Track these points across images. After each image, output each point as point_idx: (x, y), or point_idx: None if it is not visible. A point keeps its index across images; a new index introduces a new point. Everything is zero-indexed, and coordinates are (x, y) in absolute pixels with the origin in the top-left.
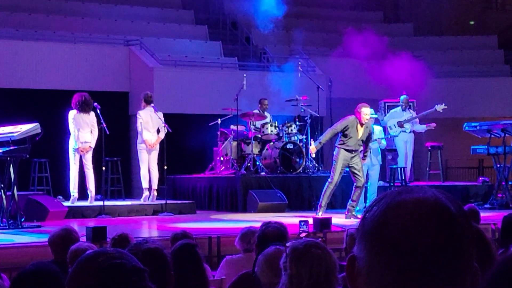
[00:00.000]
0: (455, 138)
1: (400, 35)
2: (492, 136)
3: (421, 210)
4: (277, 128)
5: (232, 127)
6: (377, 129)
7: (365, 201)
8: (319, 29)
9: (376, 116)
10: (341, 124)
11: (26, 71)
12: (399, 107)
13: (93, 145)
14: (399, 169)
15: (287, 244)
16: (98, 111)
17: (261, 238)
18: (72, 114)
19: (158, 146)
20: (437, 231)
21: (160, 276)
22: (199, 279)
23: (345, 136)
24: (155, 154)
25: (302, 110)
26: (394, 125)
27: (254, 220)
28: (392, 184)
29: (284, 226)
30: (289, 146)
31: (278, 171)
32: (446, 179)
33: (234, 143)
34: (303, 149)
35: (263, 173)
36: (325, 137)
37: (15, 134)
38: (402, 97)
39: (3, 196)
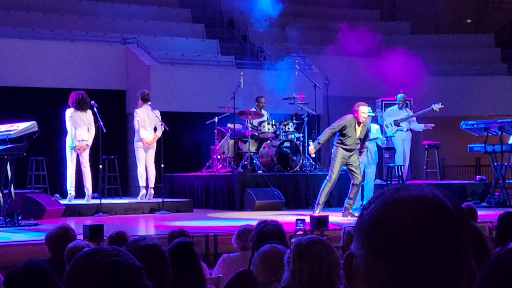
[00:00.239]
0: (452, 137)
1: (397, 33)
2: (489, 134)
3: (419, 207)
4: (274, 126)
5: (229, 125)
6: (374, 127)
7: (362, 199)
8: (316, 27)
9: (373, 114)
10: (339, 123)
11: (23, 70)
12: (396, 106)
13: (90, 143)
14: (396, 167)
15: (292, 240)
16: (95, 109)
17: (259, 236)
18: (69, 112)
19: (155, 144)
20: (434, 228)
21: (158, 272)
22: (196, 277)
23: (343, 135)
24: (152, 152)
25: (299, 108)
26: (391, 123)
27: (251, 218)
28: (389, 182)
29: (281, 224)
30: (286, 144)
31: (275, 170)
32: (443, 177)
33: (231, 141)
34: (300, 147)
35: (260, 172)
36: (323, 137)
37: (12, 132)
38: (399, 96)
39: (0, 194)
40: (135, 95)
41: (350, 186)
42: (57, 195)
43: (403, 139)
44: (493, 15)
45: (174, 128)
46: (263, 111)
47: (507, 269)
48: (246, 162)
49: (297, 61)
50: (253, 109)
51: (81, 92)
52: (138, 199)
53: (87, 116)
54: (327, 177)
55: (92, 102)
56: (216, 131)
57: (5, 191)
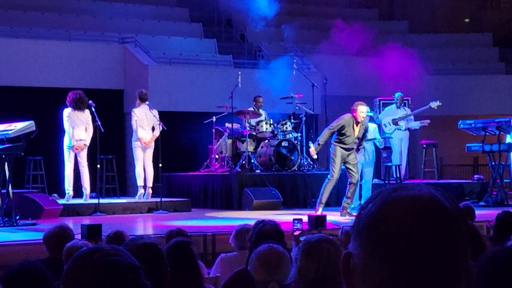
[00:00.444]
0: (450, 136)
1: (395, 33)
2: (487, 133)
3: (417, 207)
4: (272, 126)
5: (227, 125)
6: (372, 127)
7: (360, 199)
8: (314, 26)
9: (371, 114)
10: (337, 123)
11: (21, 69)
12: (394, 105)
13: (88, 143)
14: (394, 166)
15: (301, 238)
16: (93, 109)
17: (258, 236)
18: (67, 112)
19: (153, 144)
20: (432, 228)
21: (156, 272)
22: (193, 276)
23: (341, 134)
24: (150, 152)
25: (297, 108)
26: (389, 122)
27: (249, 218)
28: (387, 181)
29: (279, 224)
30: (284, 144)
31: (273, 169)
32: (441, 176)
33: (229, 141)
34: (298, 147)
35: (258, 171)
36: (323, 138)
37: (10, 132)
38: (396, 95)
39: None
40: (133, 95)
41: (348, 185)
42: (55, 195)
43: (400, 139)
44: (491, 14)
45: (172, 127)
46: (261, 111)
47: (504, 266)
48: (244, 162)
49: (295, 61)
50: (251, 109)
51: (79, 91)
52: (136, 199)
53: (85, 116)
54: (329, 176)
55: (90, 101)
56: (214, 130)
57: (3, 191)
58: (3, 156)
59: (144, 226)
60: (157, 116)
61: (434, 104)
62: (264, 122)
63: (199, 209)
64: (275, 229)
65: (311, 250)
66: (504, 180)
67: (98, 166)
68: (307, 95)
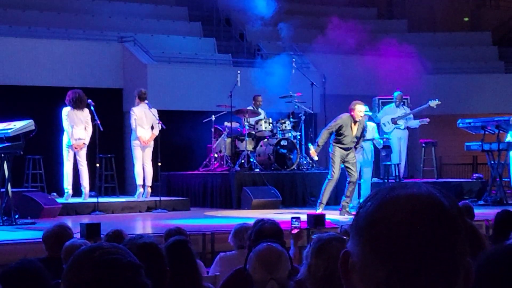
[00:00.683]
0: (449, 135)
1: (394, 31)
2: (486, 132)
3: (415, 205)
4: (271, 125)
5: (226, 124)
6: (370, 126)
7: (359, 198)
8: (312, 25)
9: (370, 113)
10: (335, 124)
11: (20, 68)
12: (393, 104)
13: (87, 141)
14: (393, 165)
15: (313, 236)
16: (92, 108)
17: (257, 235)
18: (66, 111)
19: (152, 143)
20: (431, 226)
21: (155, 271)
22: (192, 275)
23: (339, 134)
24: (149, 151)
25: (296, 106)
26: (388, 121)
27: (248, 217)
28: (386, 180)
29: (278, 223)
30: (283, 143)
31: (272, 168)
32: (440, 175)
33: (228, 140)
34: (297, 146)
35: (257, 170)
36: (321, 139)
37: (9, 131)
38: (395, 94)
39: None
40: (132, 94)
41: (347, 184)
42: (54, 194)
43: (400, 138)
44: (490, 13)
45: (171, 126)
46: (260, 110)
47: (502, 264)
48: (243, 161)
49: (294, 60)
50: (250, 108)
51: (78, 90)
52: (135, 198)
53: (84, 115)
54: (329, 176)
55: (89, 100)
56: (213, 129)
57: (2, 190)
58: (2, 155)
59: (143, 225)
60: (156, 115)
61: (433, 103)
62: (263, 121)
63: (198, 208)
64: (274, 228)
65: (322, 248)
66: (503, 179)
67: (97, 165)
68: (306, 94)
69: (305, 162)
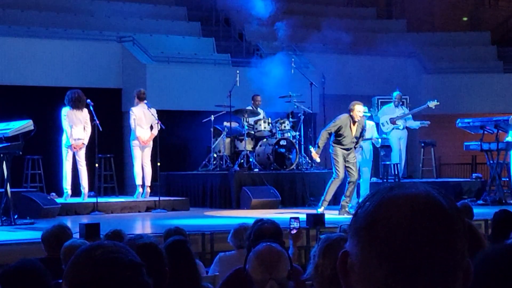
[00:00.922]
0: (448, 135)
1: (393, 31)
2: (485, 132)
3: (414, 205)
4: (270, 124)
5: (225, 123)
6: (370, 124)
7: (358, 198)
8: (312, 25)
9: (369, 114)
10: (334, 124)
11: (19, 68)
12: (392, 104)
13: (86, 142)
14: (392, 165)
15: (321, 236)
16: (91, 108)
17: (256, 235)
18: (65, 111)
19: (151, 143)
20: (429, 226)
21: (155, 271)
22: (191, 275)
23: (339, 135)
24: (148, 151)
25: (295, 106)
26: (387, 121)
27: (248, 216)
28: (385, 180)
29: (277, 223)
30: (282, 142)
31: (272, 168)
32: (439, 175)
33: (227, 140)
34: (296, 146)
35: (256, 170)
36: (321, 140)
37: (8, 131)
38: (394, 94)
39: None
40: (131, 94)
41: (347, 184)
42: (53, 194)
43: (399, 137)
44: (489, 13)
45: (170, 126)
46: (259, 110)
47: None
48: (242, 161)
49: (293, 60)
50: (249, 108)
51: (77, 90)
52: (135, 198)
53: (83, 115)
54: (334, 175)
55: (88, 100)
56: (212, 129)
57: (1, 190)
58: (1, 155)
59: (142, 225)
60: (156, 115)
61: (432, 104)
62: (262, 121)
63: (198, 208)
64: (273, 228)
65: (329, 248)
66: (502, 179)
67: (97, 165)
68: (305, 94)
69: (304, 162)
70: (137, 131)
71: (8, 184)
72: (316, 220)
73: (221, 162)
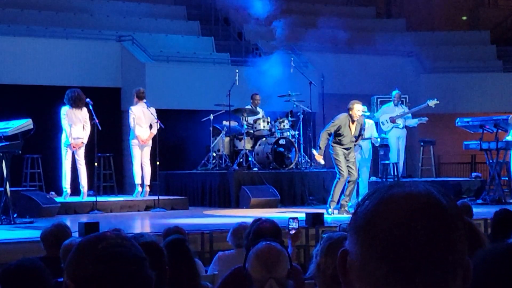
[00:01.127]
0: (448, 134)
1: (392, 31)
2: (485, 131)
3: (413, 204)
4: (269, 123)
5: (224, 123)
6: (369, 123)
7: (357, 197)
8: (311, 25)
9: (368, 113)
10: (333, 125)
11: (18, 67)
12: (391, 103)
13: (85, 141)
14: (391, 164)
15: (323, 235)
16: (91, 107)
17: (255, 234)
18: (64, 110)
19: (150, 142)
20: (429, 225)
21: (156, 269)
22: (190, 274)
23: (338, 135)
24: (147, 150)
25: (295, 106)
26: (387, 120)
27: (247, 216)
28: (384, 179)
29: (276, 222)
30: (282, 141)
31: (271, 167)
32: (438, 174)
33: (227, 139)
34: (296, 145)
35: (255, 169)
36: (322, 141)
37: (7, 130)
38: (394, 93)
39: None
40: (130, 93)
41: (346, 183)
42: (53, 193)
43: (398, 137)
44: (489, 12)
45: (170, 125)
46: (258, 109)
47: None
48: (241, 160)
49: (292, 59)
50: (249, 107)
51: (77, 89)
52: (134, 197)
53: (83, 114)
54: (338, 176)
55: (87, 99)
56: (211, 128)
57: (0, 189)
58: (1, 154)
59: (141, 224)
60: (155, 114)
61: (432, 102)
62: (261, 120)
63: (197, 207)
64: (272, 227)
65: (332, 247)
66: (502, 178)
67: (96, 164)
68: (305, 93)
69: (303, 161)
70: (136, 130)
71: (7, 183)
72: (315, 219)
73: (220, 161)
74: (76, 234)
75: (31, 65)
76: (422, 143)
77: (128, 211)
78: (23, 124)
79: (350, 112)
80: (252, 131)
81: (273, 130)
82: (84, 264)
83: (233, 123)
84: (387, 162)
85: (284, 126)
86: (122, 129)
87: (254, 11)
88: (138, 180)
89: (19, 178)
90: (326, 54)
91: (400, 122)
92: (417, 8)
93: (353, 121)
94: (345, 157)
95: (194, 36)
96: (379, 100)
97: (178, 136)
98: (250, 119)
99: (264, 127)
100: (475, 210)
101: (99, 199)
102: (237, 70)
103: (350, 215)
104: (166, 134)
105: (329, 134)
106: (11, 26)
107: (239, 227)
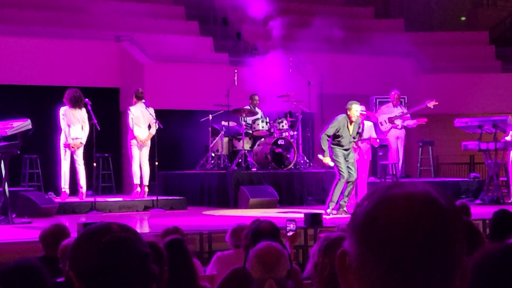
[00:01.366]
0: (446, 134)
1: (391, 31)
2: (483, 132)
3: (412, 204)
4: (268, 124)
5: (223, 123)
6: (368, 124)
7: (356, 197)
8: (309, 25)
9: (365, 113)
10: (332, 127)
11: (16, 67)
12: (390, 103)
13: (84, 141)
14: (390, 165)
15: (321, 235)
16: (89, 107)
17: (254, 234)
18: (63, 110)
19: (149, 142)
20: (427, 225)
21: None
22: (188, 274)
23: (337, 136)
24: (146, 150)
25: (294, 106)
26: (385, 121)
27: (246, 216)
28: (383, 180)
29: (274, 222)
30: (280, 142)
31: (269, 167)
32: (437, 175)
33: (225, 139)
34: (294, 145)
35: (254, 169)
36: (324, 144)
37: (6, 130)
38: (392, 93)
39: None
40: (129, 93)
41: (345, 183)
42: (52, 193)
43: (396, 137)
44: (488, 13)
45: (168, 126)
46: (257, 109)
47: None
48: (240, 160)
49: (291, 59)
50: (247, 107)
51: (76, 89)
52: (132, 197)
53: (81, 114)
54: (338, 177)
55: (86, 100)
56: (210, 128)
57: None
58: None
59: (140, 225)
60: (153, 114)
61: (430, 104)
62: (260, 120)
63: (195, 208)
64: (271, 227)
65: (329, 247)
66: (500, 179)
67: (94, 164)
68: (304, 93)
69: (302, 161)
70: (135, 130)
71: (6, 184)
72: (314, 220)
73: (219, 162)
74: (75, 235)
75: (29, 65)
76: (420, 144)
77: (126, 212)
78: (22, 124)
79: (348, 113)
80: (250, 131)
81: (271, 130)
82: (88, 256)
83: (232, 124)
84: (386, 162)
85: (282, 126)
86: (121, 130)
87: (252, 11)
88: (136, 180)
89: (18, 179)
90: (325, 54)
91: (398, 122)
92: (415, 9)
93: (351, 122)
94: (345, 158)
95: (193, 37)
96: (377, 100)
97: (177, 137)
98: (249, 120)
99: (263, 127)
100: (473, 210)
101: (98, 199)
102: (236, 70)
103: (348, 216)
104: (164, 134)
105: (329, 136)
106: (9, 26)
107: (237, 228)
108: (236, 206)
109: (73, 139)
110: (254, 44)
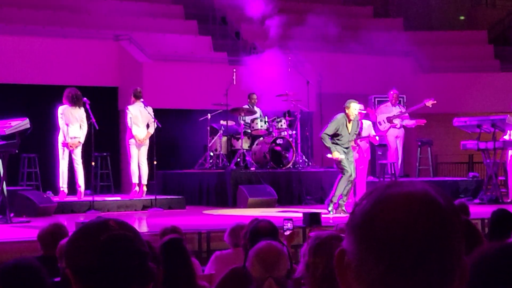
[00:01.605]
0: (445, 133)
1: (389, 30)
2: (482, 131)
3: (411, 203)
4: (267, 123)
5: (222, 122)
6: (366, 123)
7: (354, 196)
8: (308, 24)
9: (364, 112)
10: (331, 126)
11: (15, 66)
12: (389, 102)
13: (82, 140)
14: (389, 164)
15: (311, 234)
16: (88, 106)
17: (253, 233)
18: (61, 109)
19: (147, 141)
20: (426, 224)
21: None
22: (187, 274)
23: (336, 135)
24: (144, 149)
25: (292, 105)
26: (384, 120)
27: (244, 215)
28: (382, 179)
29: (273, 222)
30: (279, 141)
31: (268, 166)
32: (436, 174)
33: (224, 138)
34: (293, 144)
35: (252, 168)
36: (327, 142)
37: (4, 129)
38: (391, 92)
39: None
40: (127, 92)
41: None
42: (50, 192)
43: (395, 136)
44: (486, 12)
45: (167, 125)
46: (255, 108)
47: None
48: (239, 159)
49: (290, 58)
50: (246, 106)
51: (75, 88)
52: (131, 196)
53: (80, 113)
54: (343, 173)
55: (85, 99)
56: (209, 128)
57: None
58: None
59: (138, 224)
60: (152, 114)
61: (429, 103)
62: (258, 120)
63: (194, 207)
64: (269, 227)
65: (320, 247)
66: (499, 178)
67: (93, 163)
68: (302, 92)
69: (300, 160)
70: (133, 129)
71: (4, 183)
72: (313, 219)
73: (218, 161)
74: None
75: (28, 64)
76: (419, 143)
77: (125, 211)
78: (20, 123)
79: (347, 111)
80: (249, 131)
81: (270, 129)
82: (85, 254)
83: (231, 123)
84: (384, 161)
85: (281, 125)
86: (119, 129)
87: (251, 10)
88: (135, 180)
89: (16, 178)
90: (323, 53)
91: (397, 122)
92: (414, 8)
93: (349, 120)
94: (346, 156)
95: (191, 36)
96: (376, 99)
97: (175, 136)
98: (248, 119)
99: (261, 126)
100: (472, 210)
101: (96, 198)
102: (234, 70)
103: (347, 215)
104: (163, 133)
105: (329, 136)
106: (8, 25)
107: (236, 227)
108: (234, 205)
109: (71, 138)
110: (253, 43)
